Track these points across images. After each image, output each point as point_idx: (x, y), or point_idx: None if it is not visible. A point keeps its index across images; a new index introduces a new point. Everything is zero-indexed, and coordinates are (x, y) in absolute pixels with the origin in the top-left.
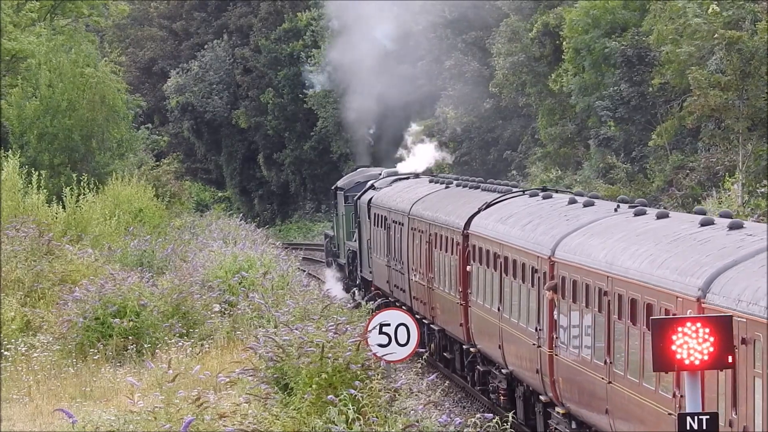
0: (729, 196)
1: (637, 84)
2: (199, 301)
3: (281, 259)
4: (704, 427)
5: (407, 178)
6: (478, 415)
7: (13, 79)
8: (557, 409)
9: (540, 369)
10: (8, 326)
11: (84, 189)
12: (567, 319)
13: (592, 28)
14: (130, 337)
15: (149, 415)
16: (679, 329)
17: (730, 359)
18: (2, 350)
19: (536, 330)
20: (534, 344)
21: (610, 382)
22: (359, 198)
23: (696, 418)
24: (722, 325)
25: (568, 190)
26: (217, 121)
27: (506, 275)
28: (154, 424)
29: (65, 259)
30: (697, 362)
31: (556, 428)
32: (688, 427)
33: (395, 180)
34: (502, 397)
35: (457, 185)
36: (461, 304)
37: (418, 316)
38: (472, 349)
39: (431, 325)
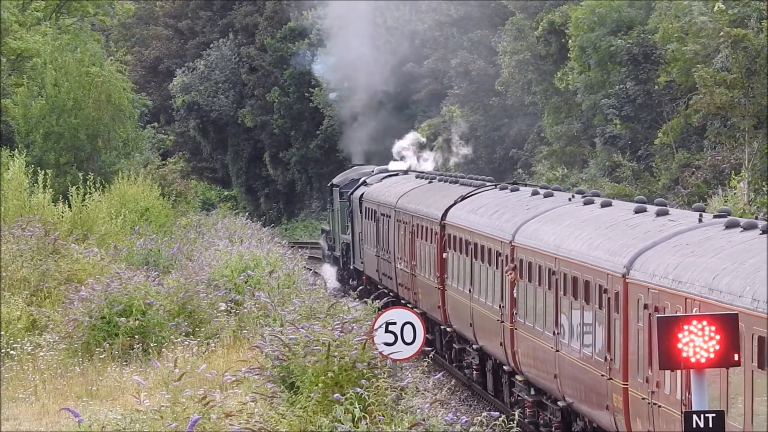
0: (735, 194)
1: (643, 82)
2: (205, 299)
3: (287, 258)
4: (710, 425)
5: (396, 175)
6: (485, 414)
7: (18, 79)
8: (517, 377)
9: (503, 342)
10: (14, 325)
11: (90, 188)
12: (524, 297)
13: (597, 26)
14: (136, 336)
15: (155, 414)
16: (686, 327)
17: (736, 357)
18: (1, 350)
19: (500, 307)
20: (498, 320)
21: (557, 351)
22: (352, 193)
23: (702, 416)
24: (728, 324)
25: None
26: (222, 120)
27: (476, 260)
28: (160, 423)
29: (71, 258)
30: (703, 360)
31: (518, 395)
32: (694, 425)
33: (385, 176)
34: (474, 372)
35: (439, 180)
36: (439, 288)
37: (403, 301)
38: (448, 329)
39: (414, 309)
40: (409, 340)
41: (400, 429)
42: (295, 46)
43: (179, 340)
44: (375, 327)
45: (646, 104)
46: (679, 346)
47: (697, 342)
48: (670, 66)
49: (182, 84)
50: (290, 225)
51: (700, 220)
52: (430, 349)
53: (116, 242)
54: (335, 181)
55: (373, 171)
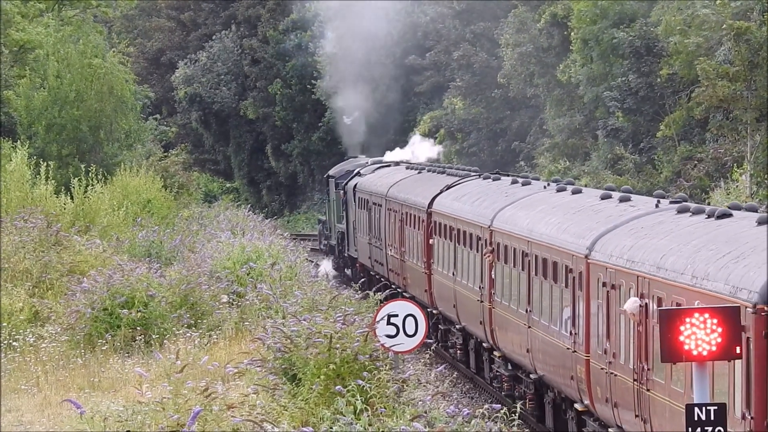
0: (737, 187)
1: (646, 75)
2: (207, 291)
3: (289, 250)
4: (712, 418)
5: (388, 166)
6: (486, 406)
7: (21, 70)
8: (495, 353)
9: (483, 320)
10: (17, 317)
11: (92, 180)
12: (501, 278)
13: (600, 18)
14: (138, 328)
15: (157, 406)
16: (687, 320)
17: (737, 350)
18: (1, 343)
19: (479, 288)
20: (478, 300)
21: (529, 327)
22: (346, 184)
23: (704, 409)
24: (730, 316)
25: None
26: (225, 112)
27: (459, 245)
28: (162, 415)
29: (73, 249)
30: (704, 353)
31: (497, 371)
32: (695, 418)
33: (378, 167)
34: (458, 351)
35: (428, 171)
36: (426, 273)
37: (393, 286)
38: (434, 312)
39: (404, 293)
40: (410, 332)
41: (401, 421)
42: (297, 38)
43: (181, 331)
44: (377, 319)
45: (648, 97)
46: (681, 339)
47: (699, 335)
48: (673, 59)
49: (184, 76)
50: (292, 217)
51: (656, 206)
52: (431, 341)
53: (118, 234)
54: (331, 172)
55: (367, 162)
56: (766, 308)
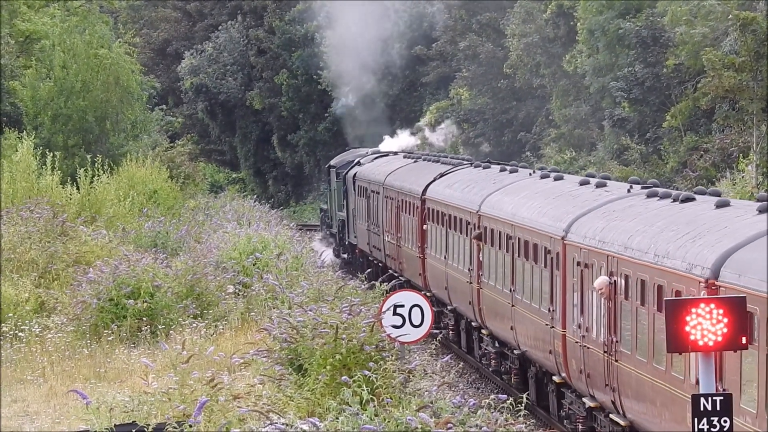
0: (743, 177)
1: (652, 65)
2: (213, 282)
3: (295, 241)
4: (718, 408)
5: (387, 155)
6: (492, 396)
7: (27, 61)
8: (483, 331)
9: (471, 301)
10: (23, 307)
11: (98, 170)
12: (488, 259)
13: (606, 9)
14: (144, 319)
15: (163, 396)
16: (693, 310)
17: (744, 340)
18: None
19: (468, 270)
20: (467, 282)
21: (513, 306)
22: (347, 173)
23: (710, 399)
24: (736, 306)
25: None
26: (231, 103)
27: (450, 229)
28: (168, 405)
29: (79, 240)
30: (710, 343)
31: (485, 348)
32: (702, 408)
33: (376, 157)
34: (450, 332)
35: (423, 160)
36: (420, 257)
37: (390, 270)
38: (428, 294)
39: (400, 277)
40: (417, 322)
41: (407, 412)
42: (303, 29)
43: (187, 322)
44: (383, 310)
45: (654, 87)
46: (687, 329)
47: (705, 325)
48: (679, 49)
49: (190, 66)
50: (298, 207)
51: (629, 191)
52: (438, 331)
53: (124, 224)
54: (333, 162)
55: (367, 153)
56: (716, 283)
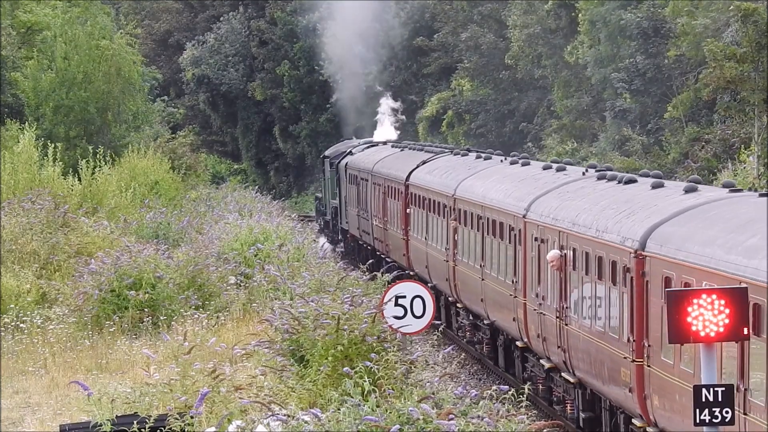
0: (745, 168)
1: (653, 56)
2: (215, 273)
3: (297, 231)
4: (719, 399)
5: (376, 145)
6: (494, 387)
7: (28, 52)
8: (458, 305)
9: (448, 278)
10: (24, 298)
11: (100, 161)
12: (462, 239)
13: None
14: (145, 310)
15: (165, 387)
16: (695, 301)
17: (745, 331)
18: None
19: (446, 250)
20: (445, 260)
21: (483, 280)
22: (339, 163)
23: (711, 389)
24: (738, 297)
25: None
26: (232, 94)
27: (430, 212)
28: (169, 396)
29: (81, 231)
30: (712, 334)
31: (461, 321)
32: (703, 399)
33: (367, 147)
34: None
35: (409, 149)
36: (403, 239)
37: (378, 253)
38: (411, 273)
39: (386, 259)
40: (418, 313)
41: (409, 403)
42: (304, 20)
43: (189, 313)
44: (385, 300)
45: (656, 78)
46: (689, 320)
47: (707, 316)
48: (680, 40)
49: (192, 57)
50: (300, 198)
51: (583, 174)
52: (439, 323)
53: (126, 215)
54: (326, 153)
55: (359, 143)
56: (642, 253)
